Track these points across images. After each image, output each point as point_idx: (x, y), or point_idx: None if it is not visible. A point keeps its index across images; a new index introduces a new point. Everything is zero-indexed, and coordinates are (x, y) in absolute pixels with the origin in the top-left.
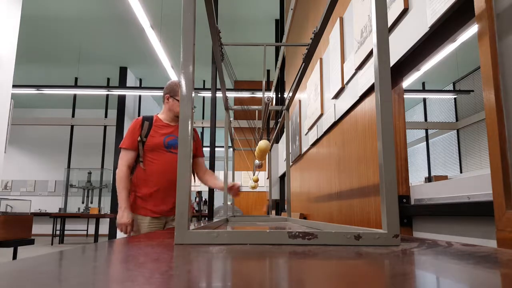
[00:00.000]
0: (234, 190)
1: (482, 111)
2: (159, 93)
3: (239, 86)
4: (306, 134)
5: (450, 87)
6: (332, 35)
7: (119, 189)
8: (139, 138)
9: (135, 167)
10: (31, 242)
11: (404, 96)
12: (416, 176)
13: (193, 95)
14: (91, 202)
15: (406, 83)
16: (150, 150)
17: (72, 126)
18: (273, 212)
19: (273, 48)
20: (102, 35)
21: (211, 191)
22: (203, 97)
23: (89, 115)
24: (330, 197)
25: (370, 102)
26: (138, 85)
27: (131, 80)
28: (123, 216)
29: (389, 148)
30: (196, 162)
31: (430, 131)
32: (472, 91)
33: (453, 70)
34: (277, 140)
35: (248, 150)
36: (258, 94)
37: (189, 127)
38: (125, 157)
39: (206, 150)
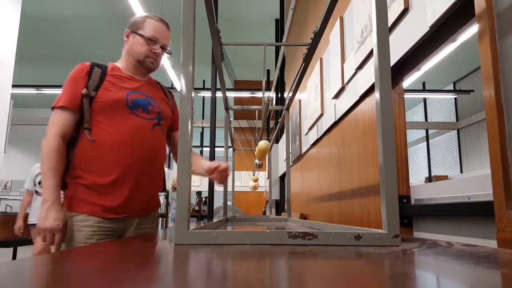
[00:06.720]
0: (219, 173)
1: (483, 111)
2: None
3: (239, 86)
4: (306, 134)
5: (451, 87)
6: (332, 35)
7: (44, 171)
8: (84, 91)
9: (76, 139)
10: (31, 242)
11: (404, 96)
12: (417, 176)
13: (193, 95)
14: None
15: (406, 83)
16: (102, 111)
17: None
18: (273, 211)
19: (273, 48)
20: (102, 35)
21: (211, 191)
22: (203, 97)
23: None
24: (330, 197)
25: (370, 102)
26: None
27: None
28: (47, 216)
29: (389, 148)
30: (174, 138)
31: (430, 131)
32: (473, 91)
33: (453, 70)
34: (277, 140)
35: (248, 150)
36: (258, 94)
37: (189, 127)
38: (59, 122)
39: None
